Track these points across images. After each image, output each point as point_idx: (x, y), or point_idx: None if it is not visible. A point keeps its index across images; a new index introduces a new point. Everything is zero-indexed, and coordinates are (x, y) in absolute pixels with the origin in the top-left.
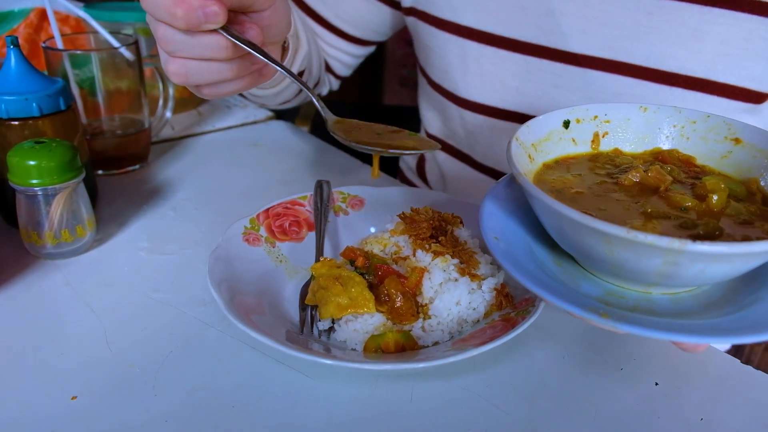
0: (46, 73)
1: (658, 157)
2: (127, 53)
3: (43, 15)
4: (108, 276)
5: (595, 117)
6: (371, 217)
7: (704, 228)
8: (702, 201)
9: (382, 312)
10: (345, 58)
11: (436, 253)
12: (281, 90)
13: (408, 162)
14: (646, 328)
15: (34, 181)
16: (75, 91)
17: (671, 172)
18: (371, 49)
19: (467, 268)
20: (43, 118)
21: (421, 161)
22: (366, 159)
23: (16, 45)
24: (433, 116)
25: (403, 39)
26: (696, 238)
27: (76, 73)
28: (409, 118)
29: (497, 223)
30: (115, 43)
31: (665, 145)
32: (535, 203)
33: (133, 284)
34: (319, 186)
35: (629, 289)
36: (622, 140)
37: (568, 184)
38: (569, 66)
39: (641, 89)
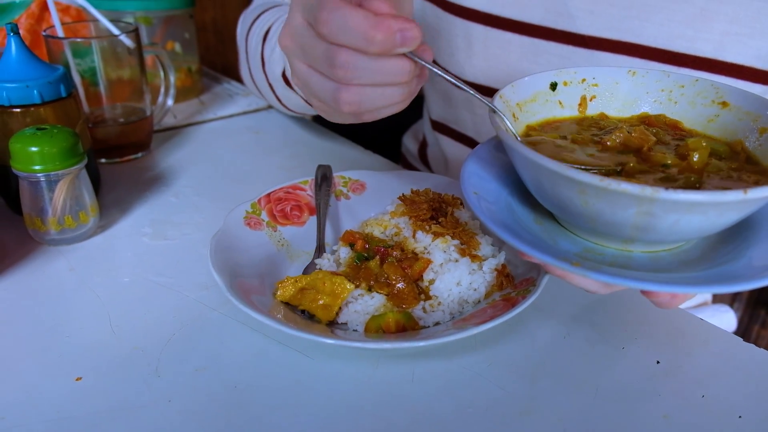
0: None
1: (645, 121)
2: (127, 41)
3: (44, 5)
4: (111, 261)
5: (583, 80)
6: (372, 201)
7: (684, 182)
8: (683, 160)
9: (383, 294)
10: None
11: (436, 234)
12: None
13: (410, 147)
14: (617, 276)
15: (37, 167)
16: (77, 80)
17: (656, 134)
18: None
19: (468, 248)
20: (45, 106)
21: (423, 147)
22: (368, 146)
23: (17, 32)
24: (436, 100)
25: None
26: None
27: (78, 62)
28: (414, 105)
29: (478, 181)
30: (116, 31)
31: (653, 110)
32: (514, 156)
33: (136, 269)
34: (321, 170)
35: (608, 246)
36: (609, 104)
37: (552, 143)
38: (577, 48)
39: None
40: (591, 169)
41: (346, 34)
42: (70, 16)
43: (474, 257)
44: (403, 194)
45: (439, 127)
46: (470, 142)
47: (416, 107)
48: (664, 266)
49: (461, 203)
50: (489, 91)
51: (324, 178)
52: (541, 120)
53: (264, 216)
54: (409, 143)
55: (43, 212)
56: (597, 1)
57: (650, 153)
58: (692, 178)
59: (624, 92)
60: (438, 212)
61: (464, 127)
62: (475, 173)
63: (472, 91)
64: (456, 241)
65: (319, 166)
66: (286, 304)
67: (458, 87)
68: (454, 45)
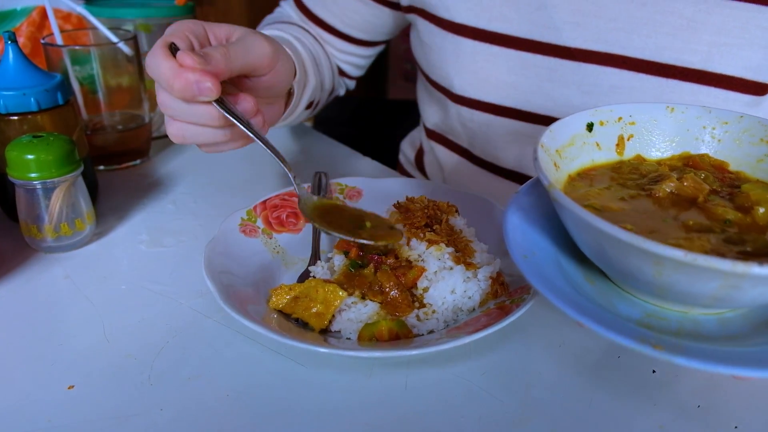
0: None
1: (688, 162)
2: (125, 48)
3: (45, 13)
4: (107, 269)
5: (620, 119)
6: (369, 207)
7: (753, 245)
8: (746, 213)
9: (376, 302)
10: (356, 60)
11: (431, 242)
12: (292, 119)
13: (407, 155)
14: (711, 361)
15: (33, 175)
16: (75, 87)
17: (706, 179)
18: (380, 48)
19: (462, 256)
20: (42, 113)
21: (419, 154)
22: (366, 152)
23: (14, 40)
24: (431, 111)
25: (406, 34)
26: (747, 256)
27: (77, 69)
28: (413, 112)
29: (522, 237)
30: (114, 39)
31: (695, 149)
32: (571, 218)
33: (131, 276)
34: (317, 177)
35: (670, 309)
36: (648, 144)
37: (598, 199)
38: (563, 60)
39: (637, 81)
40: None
41: (158, 79)
42: (71, 24)
43: (469, 265)
44: (398, 202)
45: (434, 136)
46: (464, 152)
47: (414, 113)
48: (736, 331)
49: (456, 210)
50: (479, 104)
51: (321, 184)
52: (580, 167)
53: (259, 223)
54: (407, 150)
55: (39, 219)
56: (583, 14)
57: (707, 205)
58: (761, 241)
59: (663, 130)
60: (433, 219)
61: (457, 137)
62: (518, 228)
63: (283, 163)
64: (450, 249)
65: (316, 173)
66: (280, 311)
67: (272, 154)
68: (443, 59)
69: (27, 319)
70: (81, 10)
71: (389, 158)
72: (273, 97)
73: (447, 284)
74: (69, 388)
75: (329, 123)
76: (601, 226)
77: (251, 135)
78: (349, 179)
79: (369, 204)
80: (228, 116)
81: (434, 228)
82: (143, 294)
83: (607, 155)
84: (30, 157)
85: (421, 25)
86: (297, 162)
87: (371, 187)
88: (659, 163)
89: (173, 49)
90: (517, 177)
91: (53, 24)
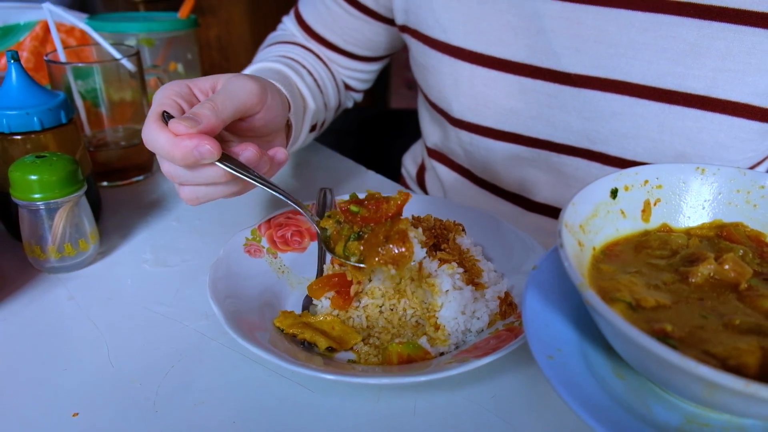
0: (48, 86)
1: (722, 233)
2: (128, 64)
3: (48, 27)
4: (111, 289)
5: (646, 182)
6: None
7: None
8: None
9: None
10: (361, 75)
11: (443, 261)
12: (299, 145)
13: (409, 170)
14: None
15: (36, 196)
16: (78, 102)
17: (744, 257)
18: (384, 62)
19: (471, 276)
20: (45, 132)
21: (421, 171)
22: (369, 163)
23: (17, 60)
24: (431, 130)
25: None
26: None
27: (79, 84)
28: (415, 122)
29: (545, 330)
30: (117, 55)
31: (728, 216)
32: (608, 328)
33: (136, 298)
34: (322, 193)
35: (715, 414)
36: (676, 210)
37: (630, 288)
38: (563, 86)
39: (639, 108)
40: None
41: (159, 151)
42: (74, 38)
43: (477, 285)
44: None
45: (435, 155)
46: (465, 172)
47: (416, 124)
48: None
49: (462, 229)
50: (478, 128)
51: (325, 201)
52: (605, 240)
53: (264, 242)
54: (409, 165)
55: (43, 240)
56: (583, 39)
57: (751, 294)
58: None
59: (693, 194)
60: (440, 239)
61: (458, 157)
62: (540, 316)
63: (291, 200)
64: (461, 269)
65: (321, 189)
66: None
67: (278, 194)
68: (441, 82)
69: (31, 343)
70: (84, 26)
71: (392, 169)
72: (272, 134)
73: (458, 304)
74: (73, 415)
75: (331, 133)
76: (647, 344)
77: (259, 184)
78: None
79: None
80: (233, 171)
81: (442, 247)
82: (147, 316)
83: (632, 224)
84: (33, 177)
85: (415, 45)
86: (301, 175)
87: None
88: (689, 233)
89: (166, 118)
90: (519, 199)
91: (56, 40)
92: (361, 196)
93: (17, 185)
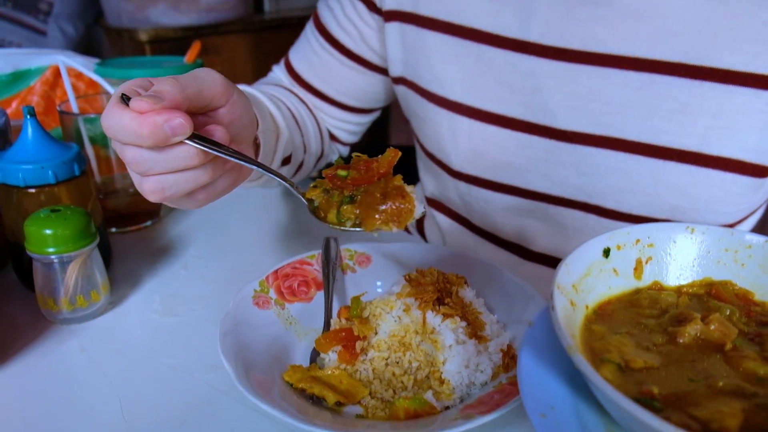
0: (58, 130)
1: (711, 290)
2: None
3: (58, 72)
4: (122, 341)
5: (637, 241)
6: (378, 273)
7: None
8: None
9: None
10: (350, 127)
11: (446, 315)
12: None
13: None
14: None
15: (50, 250)
16: (89, 150)
17: (731, 317)
18: (375, 114)
19: (474, 329)
20: (59, 185)
21: (421, 219)
22: None
23: (33, 115)
24: (428, 179)
25: None
26: None
27: (89, 128)
28: (413, 167)
29: (539, 388)
30: None
31: (718, 274)
32: (599, 392)
33: (146, 349)
34: (327, 244)
35: None
36: (667, 267)
37: (620, 350)
38: (559, 142)
39: (633, 163)
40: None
41: (124, 134)
42: (83, 82)
43: (480, 338)
44: (408, 275)
45: (433, 203)
46: (463, 221)
47: (415, 172)
48: None
49: (465, 282)
50: (476, 180)
51: (330, 252)
52: (598, 299)
53: (272, 294)
54: None
55: (56, 292)
56: (578, 98)
57: (735, 355)
58: None
59: (683, 252)
60: (443, 293)
61: (456, 207)
62: (534, 374)
63: (277, 175)
64: (464, 323)
65: (326, 239)
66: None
67: (259, 169)
68: (439, 134)
69: (44, 396)
70: (95, 76)
71: None
72: (238, 142)
73: (461, 358)
74: None
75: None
76: (630, 408)
77: (236, 159)
78: (358, 244)
79: (379, 270)
80: (207, 148)
81: (446, 302)
82: (158, 368)
83: (624, 282)
84: (48, 232)
85: (412, 97)
86: (304, 220)
87: (380, 252)
88: (679, 291)
89: (126, 101)
90: (517, 248)
91: (69, 91)
92: (362, 247)
93: (32, 239)
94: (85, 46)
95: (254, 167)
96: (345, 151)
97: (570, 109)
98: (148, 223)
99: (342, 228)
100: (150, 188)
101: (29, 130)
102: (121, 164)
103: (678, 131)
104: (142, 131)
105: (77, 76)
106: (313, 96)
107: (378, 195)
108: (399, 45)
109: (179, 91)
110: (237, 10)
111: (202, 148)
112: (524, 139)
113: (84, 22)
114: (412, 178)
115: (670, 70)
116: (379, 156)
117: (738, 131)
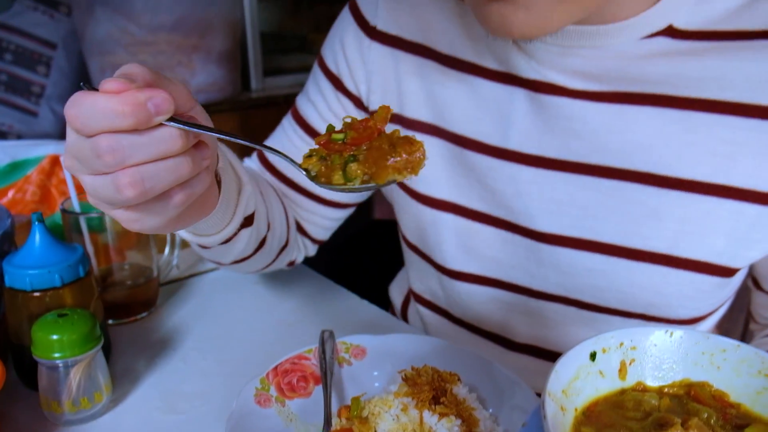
0: (55, 222)
1: (690, 392)
2: None
3: (54, 161)
4: None
5: (621, 344)
6: (374, 365)
7: None
8: None
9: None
10: (324, 222)
11: (442, 414)
12: (230, 235)
13: (395, 302)
14: None
15: (57, 354)
16: (88, 244)
17: (708, 420)
18: (350, 211)
19: (468, 426)
20: (64, 287)
21: (405, 304)
22: (362, 287)
23: (41, 221)
24: (412, 272)
25: None
26: None
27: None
28: (396, 251)
29: None
30: None
31: (696, 375)
32: None
33: None
34: (323, 338)
35: None
36: (649, 368)
37: None
38: (540, 243)
39: (609, 265)
40: None
41: (98, 118)
42: None
43: None
44: (405, 373)
45: (416, 295)
46: (445, 313)
47: (399, 255)
48: None
49: (458, 378)
50: (460, 274)
51: (326, 347)
52: (586, 401)
53: (273, 391)
54: (395, 296)
55: (60, 395)
56: (556, 202)
57: None
58: None
59: (662, 354)
60: (438, 391)
61: (438, 298)
62: None
63: (268, 148)
64: (458, 420)
65: (322, 334)
66: None
67: (248, 143)
68: (423, 229)
69: None
70: None
71: (381, 290)
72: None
73: None
74: None
75: (322, 251)
76: None
77: (223, 136)
78: (354, 337)
79: (374, 363)
80: (190, 128)
81: (441, 400)
82: None
83: (610, 383)
84: (55, 337)
85: (397, 191)
86: (297, 308)
87: (375, 345)
88: (661, 392)
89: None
90: (500, 339)
91: (71, 188)
92: (357, 340)
93: (39, 344)
94: None
95: (242, 142)
96: (313, 250)
97: (549, 213)
98: (145, 314)
99: (351, 188)
100: (127, 181)
101: (37, 236)
102: (119, 253)
103: (649, 235)
104: (124, 109)
105: None
106: (284, 185)
107: (386, 147)
108: None
109: (149, 74)
110: (225, 90)
111: (186, 128)
112: (508, 238)
113: None
114: (398, 258)
115: (639, 179)
116: (373, 113)
117: (705, 236)
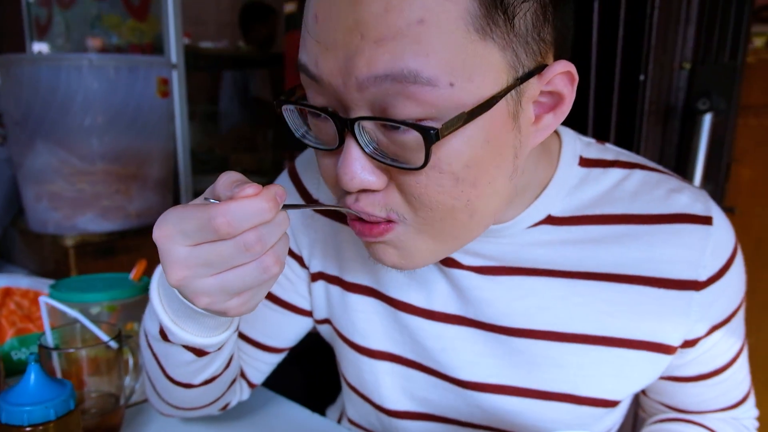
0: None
1: None
2: (113, 344)
3: (5, 293)
4: None
5: None
6: None
7: None
8: None
9: None
10: (262, 366)
11: None
12: (227, 338)
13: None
14: None
15: None
16: (58, 371)
17: None
18: (284, 354)
19: None
20: (56, 420)
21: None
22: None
23: (38, 361)
24: (349, 406)
25: None
26: None
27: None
28: (335, 382)
29: None
30: (105, 338)
31: None
32: None
33: None
34: None
35: None
36: None
37: None
38: (465, 390)
39: (524, 405)
40: None
41: (249, 217)
42: (28, 299)
43: None
44: None
45: (355, 425)
46: None
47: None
48: None
49: None
50: (397, 413)
51: None
52: None
53: None
54: (332, 418)
55: None
56: (476, 355)
57: None
58: None
59: None
60: None
61: (375, 428)
62: None
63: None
64: None
65: None
66: None
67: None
68: (362, 377)
69: None
70: (74, 313)
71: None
72: None
73: None
74: None
75: (307, 396)
76: None
77: (325, 207)
78: None
79: None
80: (300, 208)
81: None
82: None
83: None
84: None
85: (336, 339)
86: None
87: None
88: None
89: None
90: None
91: (46, 325)
92: None
93: None
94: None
95: (336, 209)
96: (247, 394)
97: (471, 365)
98: None
99: None
100: (272, 260)
101: (32, 376)
102: (85, 382)
103: (555, 379)
104: (268, 205)
105: (23, 294)
106: (239, 339)
107: None
108: (324, 300)
109: (241, 174)
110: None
111: (298, 208)
112: (439, 384)
113: (1, 226)
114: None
115: (544, 336)
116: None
117: (598, 378)
